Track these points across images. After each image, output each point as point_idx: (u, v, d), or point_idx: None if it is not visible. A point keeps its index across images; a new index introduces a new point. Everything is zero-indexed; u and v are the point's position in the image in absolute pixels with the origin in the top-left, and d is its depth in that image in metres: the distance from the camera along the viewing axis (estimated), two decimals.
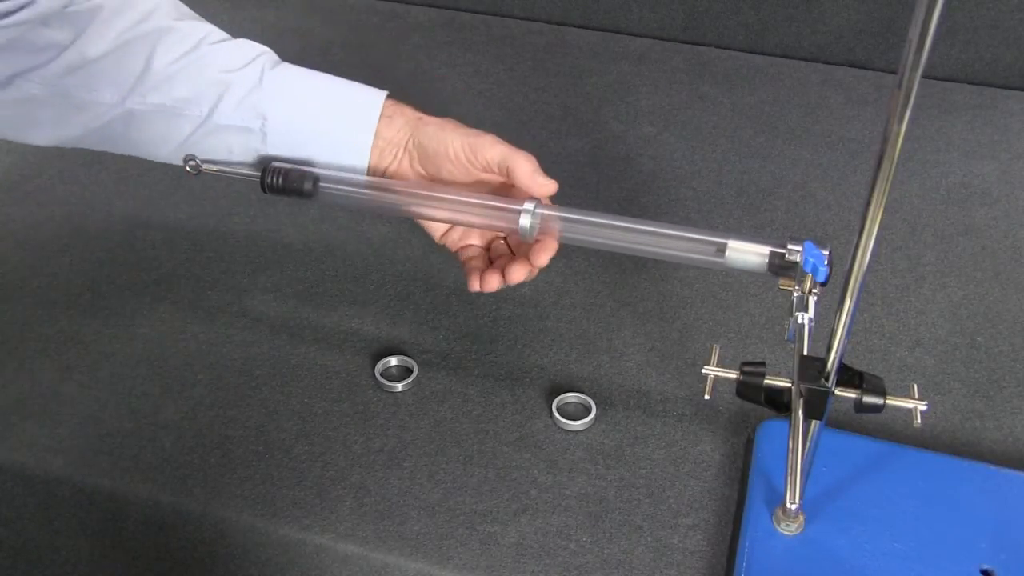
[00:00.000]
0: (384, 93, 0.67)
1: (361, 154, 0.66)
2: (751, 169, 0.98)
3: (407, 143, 0.66)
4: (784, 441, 0.57)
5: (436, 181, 0.66)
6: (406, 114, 0.66)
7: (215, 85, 0.64)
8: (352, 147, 0.66)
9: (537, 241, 0.63)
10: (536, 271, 0.64)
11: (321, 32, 1.24)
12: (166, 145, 0.66)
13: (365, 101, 0.66)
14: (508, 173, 0.63)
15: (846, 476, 0.62)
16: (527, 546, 0.61)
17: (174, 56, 0.64)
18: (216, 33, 0.67)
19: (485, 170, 0.64)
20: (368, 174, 0.66)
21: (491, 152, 0.63)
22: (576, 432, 0.68)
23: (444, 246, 0.69)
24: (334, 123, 0.66)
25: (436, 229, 0.68)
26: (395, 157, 0.66)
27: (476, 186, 0.65)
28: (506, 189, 0.65)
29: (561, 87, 1.12)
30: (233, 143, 0.66)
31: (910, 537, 0.59)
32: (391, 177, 0.67)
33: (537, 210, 0.62)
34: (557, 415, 0.69)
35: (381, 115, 0.66)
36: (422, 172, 0.66)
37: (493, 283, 0.64)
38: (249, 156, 0.67)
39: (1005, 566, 0.57)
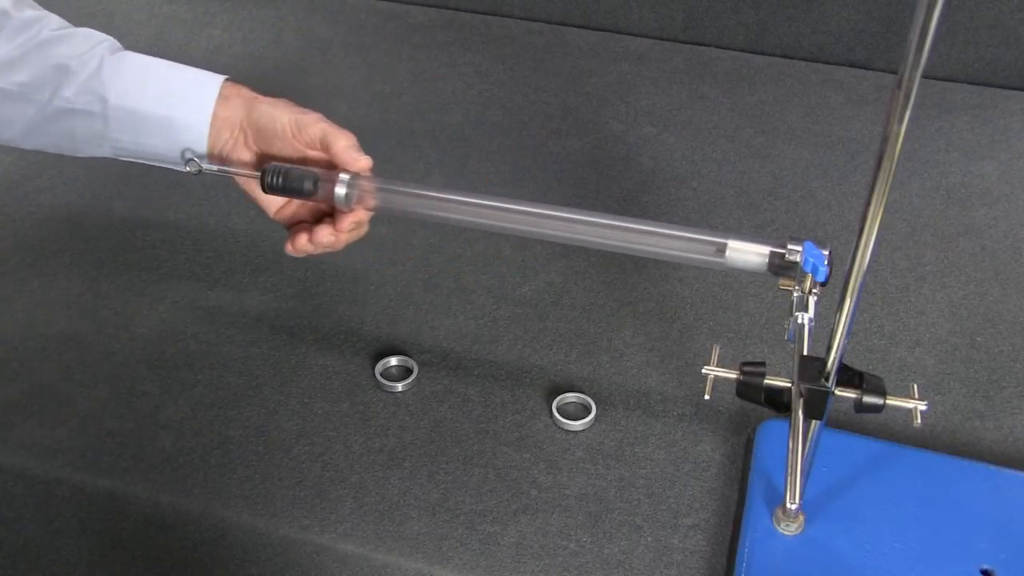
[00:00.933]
0: (222, 77, 0.69)
1: (199, 135, 0.67)
2: (751, 169, 0.98)
3: (242, 122, 0.68)
4: (784, 441, 0.57)
5: (267, 157, 0.68)
6: (242, 94, 0.68)
7: (55, 70, 0.65)
8: (189, 128, 0.67)
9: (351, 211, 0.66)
10: (343, 239, 0.67)
11: (321, 32, 1.24)
12: (10, 128, 0.67)
13: (202, 83, 0.68)
14: (327, 149, 0.66)
15: (846, 476, 0.62)
16: (527, 546, 0.61)
17: (16, 43, 0.65)
18: (56, 20, 0.68)
19: (309, 146, 0.67)
20: (208, 155, 0.68)
21: (314, 129, 0.66)
22: (576, 432, 0.68)
23: (279, 221, 0.71)
24: (171, 105, 0.67)
25: (271, 205, 0.70)
26: (232, 136, 0.68)
27: (301, 162, 0.68)
28: (331, 165, 0.67)
29: (561, 87, 1.12)
30: (75, 127, 0.67)
31: (910, 537, 0.59)
32: (227, 157, 0.68)
33: (353, 180, 0.64)
34: (557, 415, 0.69)
35: (219, 96, 0.67)
36: (256, 150, 0.68)
37: (300, 241, 0.66)
38: (93, 141, 0.68)
39: (1005, 566, 0.57)
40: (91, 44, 0.67)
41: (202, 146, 0.68)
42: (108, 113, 0.66)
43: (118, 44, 0.69)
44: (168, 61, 0.69)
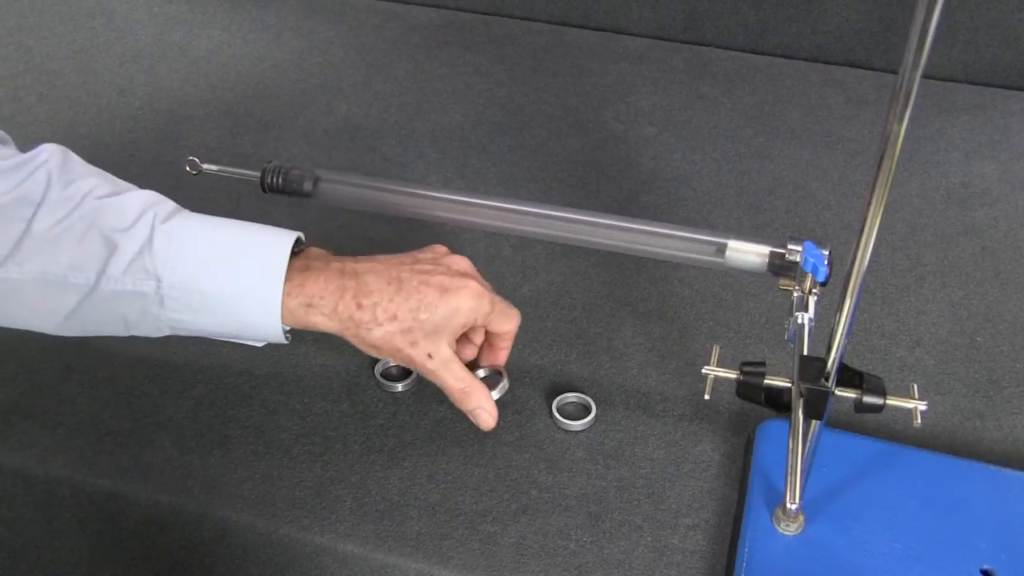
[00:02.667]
0: (294, 236, 0.61)
1: (270, 311, 0.59)
2: (751, 169, 0.98)
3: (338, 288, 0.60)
4: (784, 441, 0.57)
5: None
6: (324, 260, 0.61)
7: (101, 247, 0.57)
8: (259, 305, 0.59)
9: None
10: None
11: (321, 32, 1.24)
12: (51, 318, 0.59)
13: (270, 248, 0.60)
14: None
15: (846, 476, 0.62)
16: (527, 546, 0.61)
17: (56, 218, 0.57)
18: (104, 186, 0.60)
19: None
20: (288, 330, 0.61)
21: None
22: (576, 432, 0.68)
23: None
24: (235, 279, 0.59)
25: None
26: (325, 303, 0.60)
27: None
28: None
29: (561, 87, 1.12)
30: (128, 311, 0.59)
31: (910, 537, 0.59)
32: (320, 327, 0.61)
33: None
34: (557, 415, 0.69)
35: (291, 264, 0.59)
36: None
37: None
38: (148, 325, 0.60)
39: (1005, 566, 0.57)
40: (140, 210, 0.59)
41: (276, 331, 0.60)
42: (163, 293, 0.58)
43: (172, 205, 0.61)
44: (231, 221, 0.61)
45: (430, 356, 0.61)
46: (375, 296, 0.60)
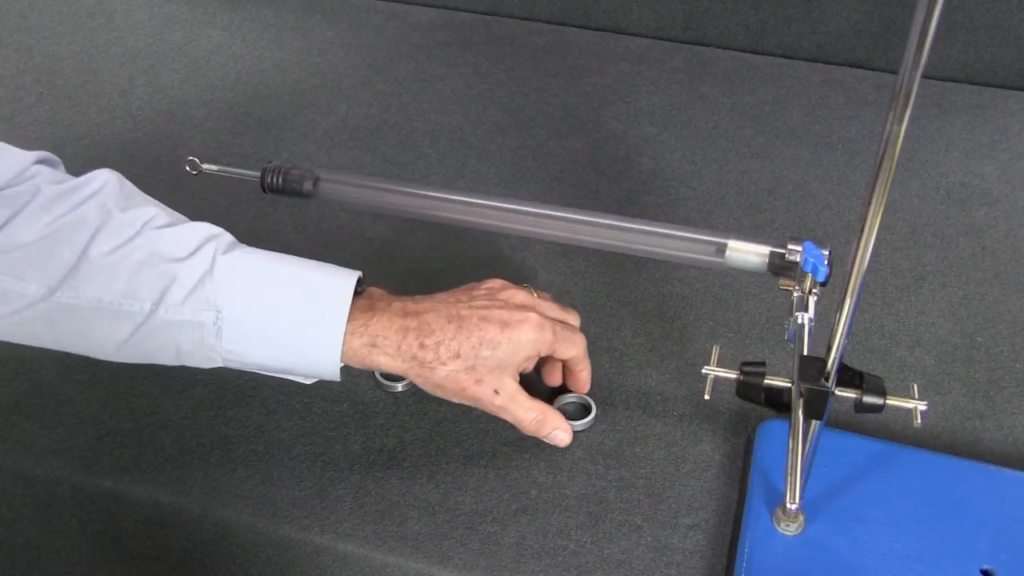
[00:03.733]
0: (355, 275, 0.60)
1: (331, 348, 0.58)
2: (751, 169, 0.98)
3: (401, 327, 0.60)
4: (784, 441, 0.57)
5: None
6: (386, 300, 0.61)
7: (159, 277, 0.56)
8: (320, 341, 0.58)
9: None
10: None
11: (321, 32, 1.24)
12: (102, 346, 0.58)
13: (335, 285, 0.59)
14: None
15: (846, 476, 0.62)
16: (527, 546, 0.61)
17: (114, 244, 0.56)
18: (162, 216, 0.60)
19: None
20: (347, 366, 0.60)
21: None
22: (576, 432, 0.68)
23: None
24: (295, 313, 0.58)
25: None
26: (389, 341, 0.59)
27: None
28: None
29: (561, 87, 1.12)
30: (182, 341, 0.58)
31: (910, 537, 0.59)
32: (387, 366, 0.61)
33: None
34: None
35: (355, 302, 0.59)
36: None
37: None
38: (202, 355, 0.59)
39: (1005, 566, 0.57)
40: (200, 241, 0.58)
41: (333, 369, 0.59)
42: (222, 323, 0.57)
43: (231, 238, 0.60)
44: (292, 257, 0.60)
45: (496, 392, 0.62)
46: (437, 335, 0.60)
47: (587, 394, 0.70)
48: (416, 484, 0.65)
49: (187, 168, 0.67)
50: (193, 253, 0.57)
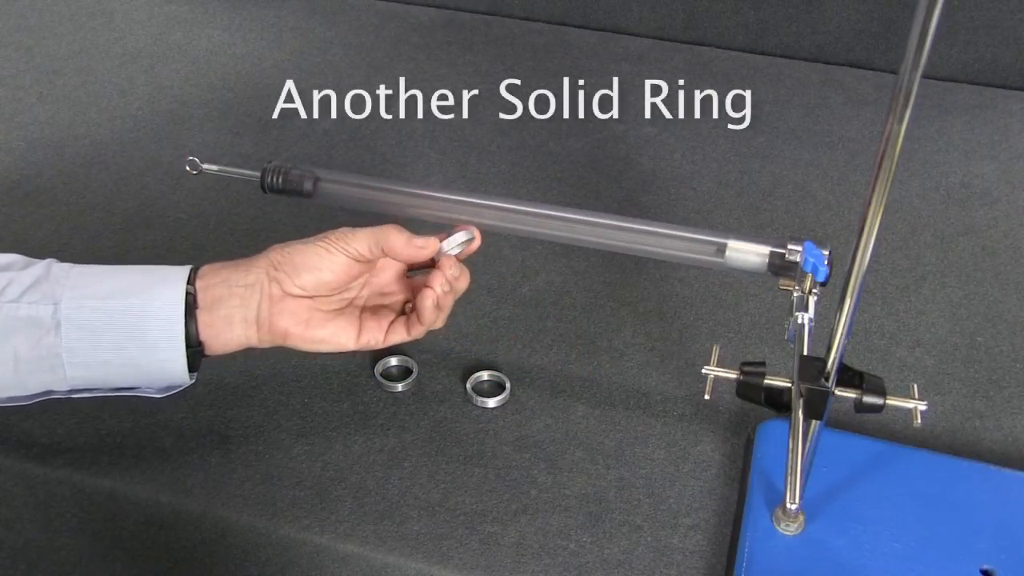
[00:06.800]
0: (188, 267, 0.61)
1: (174, 323, 0.58)
2: (751, 169, 0.98)
3: (262, 286, 0.61)
4: (784, 441, 0.57)
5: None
6: (226, 268, 0.61)
7: None
8: (165, 325, 0.58)
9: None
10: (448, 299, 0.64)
11: (321, 32, 1.24)
12: None
13: (171, 269, 0.60)
14: (383, 250, 0.62)
15: (846, 476, 0.62)
16: (527, 546, 0.61)
17: None
18: (10, 256, 0.60)
19: (360, 258, 0.63)
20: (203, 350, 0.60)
21: (360, 240, 0.62)
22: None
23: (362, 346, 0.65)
24: (133, 293, 0.58)
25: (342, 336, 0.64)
26: (245, 319, 0.60)
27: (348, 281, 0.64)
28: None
29: (561, 87, 1.12)
30: (19, 344, 0.56)
31: (910, 537, 0.59)
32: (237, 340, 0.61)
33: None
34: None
35: (191, 280, 0.59)
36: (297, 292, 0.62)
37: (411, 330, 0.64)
38: (42, 363, 0.57)
39: (1005, 566, 0.57)
40: (35, 261, 0.59)
41: (179, 329, 0.58)
42: (60, 317, 0.56)
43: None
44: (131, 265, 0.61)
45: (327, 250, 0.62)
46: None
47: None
48: (416, 484, 0.65)
49: (187, 168, 0.67)
50: (28, 266, 0.59)
